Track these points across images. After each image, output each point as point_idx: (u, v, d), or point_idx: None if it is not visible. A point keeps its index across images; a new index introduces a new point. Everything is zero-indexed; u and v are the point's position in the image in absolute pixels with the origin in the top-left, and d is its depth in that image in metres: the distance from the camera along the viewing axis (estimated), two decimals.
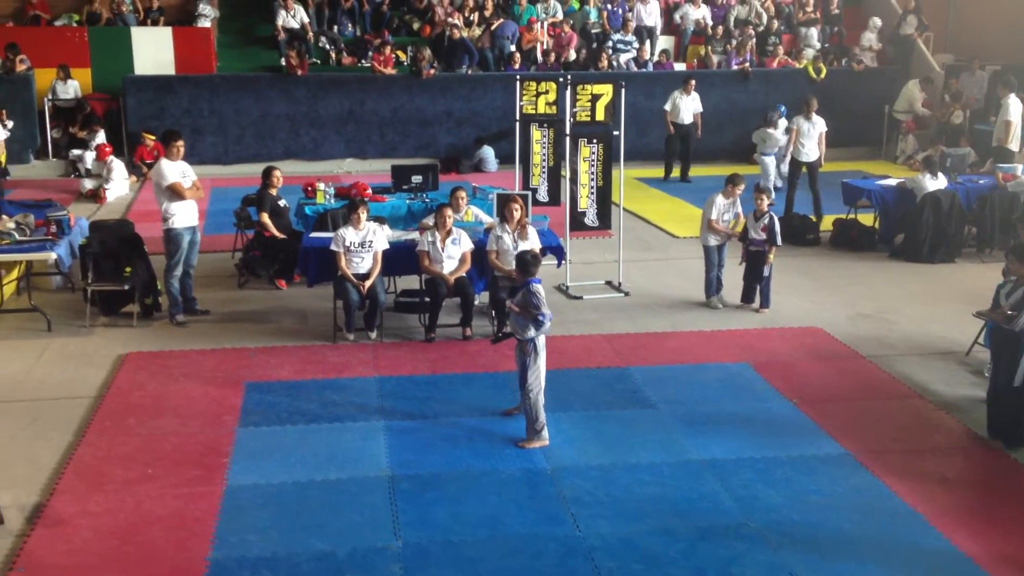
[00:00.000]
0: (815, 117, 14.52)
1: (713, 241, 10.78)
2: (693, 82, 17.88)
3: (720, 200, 10.76)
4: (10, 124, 16.73)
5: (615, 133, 11.41)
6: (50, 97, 18.14)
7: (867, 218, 13.82)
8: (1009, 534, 6.41)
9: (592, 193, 11.38)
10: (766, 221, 10.56)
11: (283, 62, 18.94)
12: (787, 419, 8.06)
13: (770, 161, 16.67)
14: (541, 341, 7.46)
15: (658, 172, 17.96)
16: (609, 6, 21.15)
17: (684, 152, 18.07)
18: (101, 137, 17.49)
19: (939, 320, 10.46)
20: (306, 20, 19.63)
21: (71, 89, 18.30)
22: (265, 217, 11.15)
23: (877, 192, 13.56)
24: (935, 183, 12.99)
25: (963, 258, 12.97)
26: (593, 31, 20.69)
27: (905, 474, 7.12)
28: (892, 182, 13.87)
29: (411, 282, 10.53)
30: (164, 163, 9.99)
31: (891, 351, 9.60)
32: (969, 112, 18.91)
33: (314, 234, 10.70)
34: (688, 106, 17.81)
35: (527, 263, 7.55)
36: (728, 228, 10.72)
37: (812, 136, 14.53)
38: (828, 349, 9.65)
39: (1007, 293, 7.82)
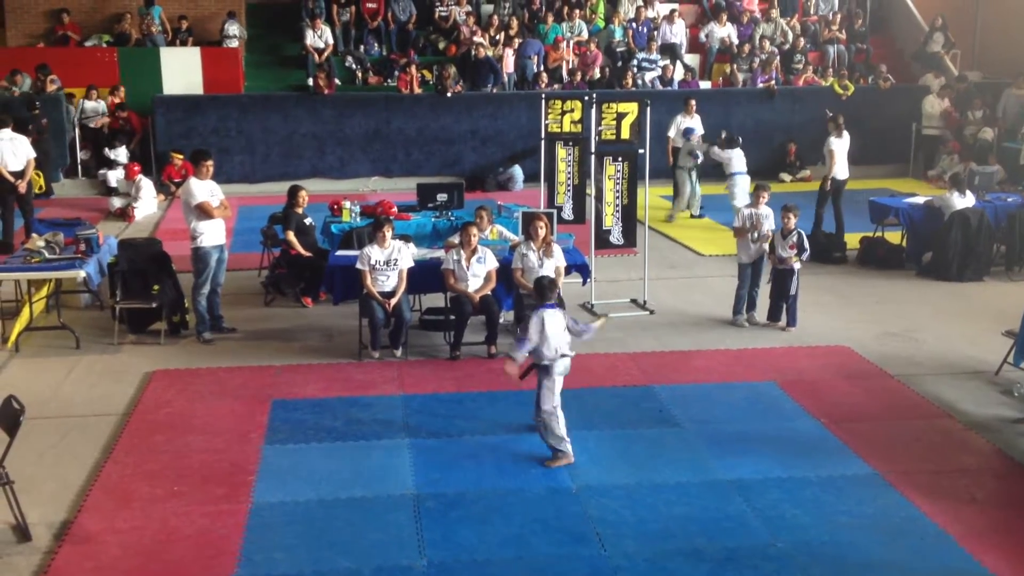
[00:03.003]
0: (844, 134, 14.34)
1: (744, 259, 10.77)
2: (694, 102, 16.78)
3: (745, 211, 10.82)
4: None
5: (640, 151, 11.40)
6: (78, 116, 18.35)
7: (894, 236, 13.74)
8: None
9: (617, 211, 11.38)
10: (794, 239, 10.53)
11: (310, 82, 19.09)
12: (814, 438, 8.00)
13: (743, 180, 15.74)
14: (556, 365, 7.39)
15: None
16: (634, 25, 21.19)
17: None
18: (125, 156, 17.72)
19: (968, 339, 10.37)
20: (331, 41, 19.77)
21: (100, 109, 18.52)
22: (291, 235, 11.21)
23: (904, 210, 13.48)
24: (963, 201, 12.90)
25: (992, 276, 12.85)
26: (618, 50, 20.73)
27: (934, 494, 7.05)
28: (920, 200, 13.78)
29: (436, 300, 10.55)
30: (193, 182, 10.07)
31: (919, 370, 9.52)
32: (998, 129, 18.79)
33: (340, 252, 10.75)
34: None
35: (542, 288, 7.57)
36: (752, 230, 10.66)
37: (843, 153, 14.34)
38: (856, 368, 9.58)
39: None
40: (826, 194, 14.29)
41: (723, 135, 15.95)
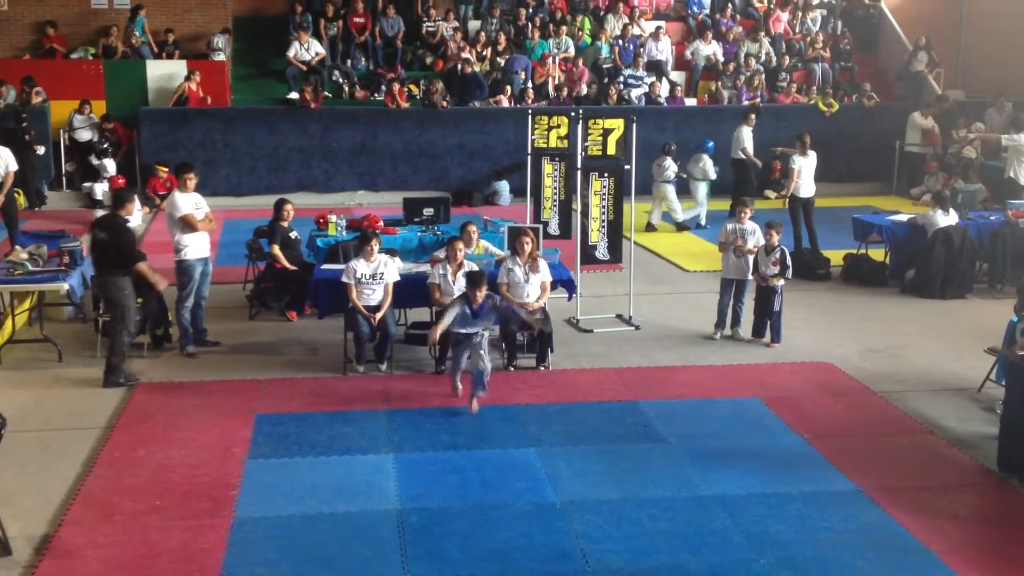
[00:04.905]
0: (810, 153, 14.45)
1: (726, 273, 10.83)
2: (753, 116, 17.58)
3: (728, 227, 10.91)
4: (41, 150, 17.25)
5: (626, 167, 11.44)
6: (67, 129, 18.32)
7: (877, 253, 13.81)
8: (1022, 571, 6.35)
9: (603, 227, 11.40)
10: (777, 255, 10.58)
11: (293, 95, 19.08)
12: (798, 454, 8.01)
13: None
14: None
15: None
16: (620, 42, 21.29)
17: (739, 188, 17.52)
18: (112, 169, 17.68)
19: (950, 356, 10.42)
20: (320, 51, 19.78)
21: (91, 122, 18.50)
22: (276, 249, 11.19)
23: (888, 227, 13.56)
24: (946, 219, 12.98)
25: (974, 294, 12.91)
26: (604, 66, 20.82)
27: (917, 511, 7.07)
28: (903, 217, 13.86)
29: (422, 314, 10.54)
30: (177, 195, 10.05)
31: (902, 387, 9.56)
32: (981, 147, 18.91)
33: (325, 266, 10.74)
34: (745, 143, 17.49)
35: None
36: (736, 243, 10.71)
37: (809, 172, 14.45)
38: (839, 384, 9.61)
39: (1023, 329, 7.80)
40: (794, 213, 14.40)
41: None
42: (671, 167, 16.37)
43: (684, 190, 16.99)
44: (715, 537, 6.67)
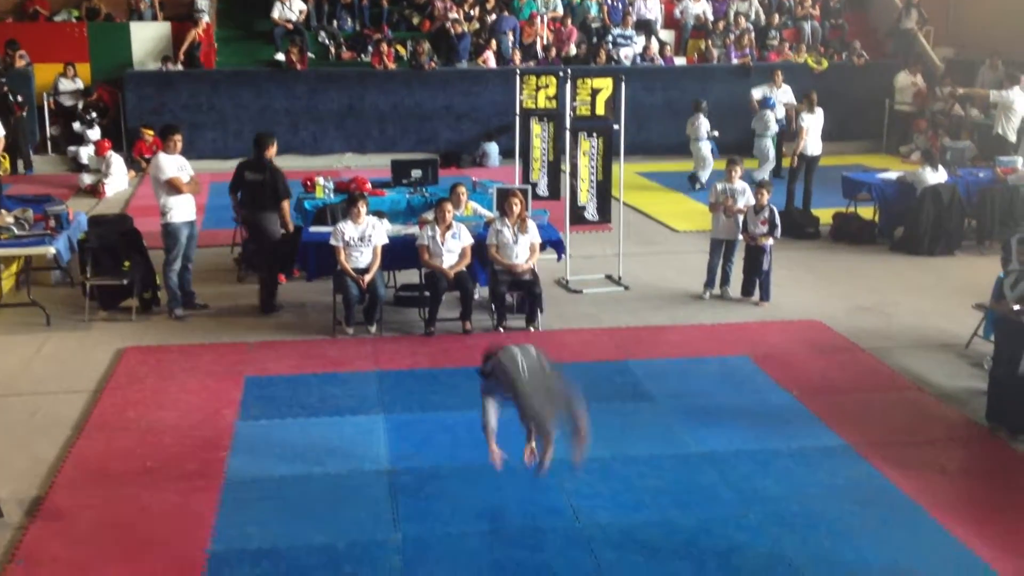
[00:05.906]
0: (817, 110, 14.47)
1: (716, 234, 10.82)
2: (780, 73, 17.59)
3: (718, 186, 10.91)
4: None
5: (615, 127, 11.39)
6: (52, 93, 18.16)
7: (867, 211, 13.82)
8: (1009, 523, 6.41)
9: (592, 187, 11.37)
10: (766, 214, 10.58)
11: (280, 56, 18.91)
12: (787, 411, 8.04)
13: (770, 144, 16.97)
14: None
15: (659, 167, 17.87)
16: (609, 1, 21.13)
17: (777, 149, 17.50)
18: (97, 133, 17.54)
19: (939, 312, 10.45)
20: (303, 7, 19.56)
21: (76, 86, 18.33)
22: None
23: (877, 185, 13.56)
24: (935, 176, 12.98)
25: (963, 251, 12.96)
26: (593, 26, 20.68)
27: (905, 465, 7.11)
28: (892, 175, 13.86)
29: (411, 276, 10.52)
30: (162, 157, 9.98)
31: (891, 343, 9.59)
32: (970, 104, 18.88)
33: (313, 228, 10.69)
34: (780, 100, 17.40)
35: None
36: (726, 203, 10.69)
37: (816, 129, 14.47)
38: (828, 342, 9.64)
39: (1011, 284, 7.82)
40: (795, 171, 14.44)
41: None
42: (704, 124, 16.38)
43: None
44: (703, 493, 6.72)
